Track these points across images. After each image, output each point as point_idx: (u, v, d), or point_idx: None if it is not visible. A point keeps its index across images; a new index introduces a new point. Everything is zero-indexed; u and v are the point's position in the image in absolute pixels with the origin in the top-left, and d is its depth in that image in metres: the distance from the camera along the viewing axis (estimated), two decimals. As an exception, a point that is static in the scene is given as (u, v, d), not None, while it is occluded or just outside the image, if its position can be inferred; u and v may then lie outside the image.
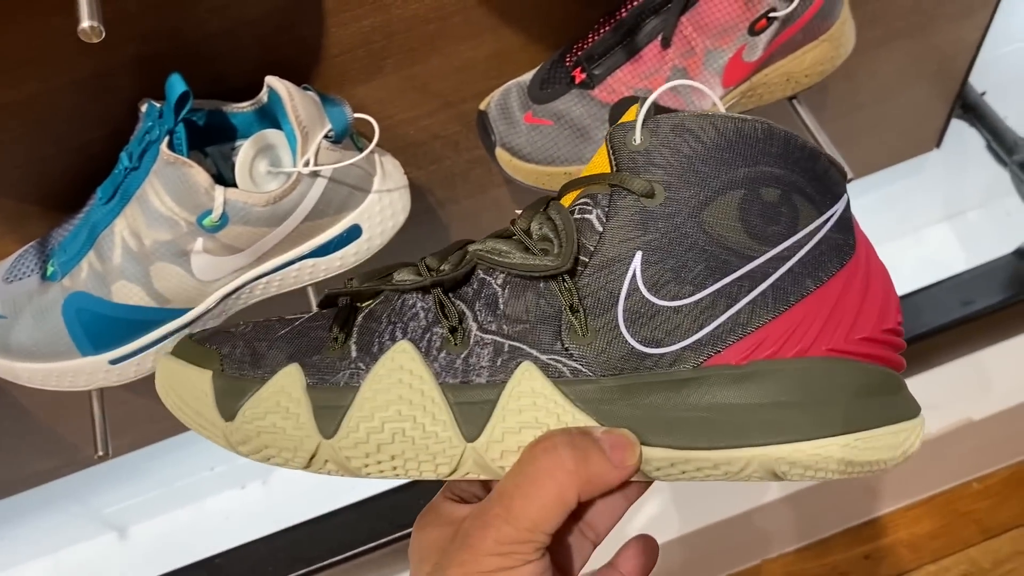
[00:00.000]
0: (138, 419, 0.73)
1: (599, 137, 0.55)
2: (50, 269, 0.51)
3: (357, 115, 0.51)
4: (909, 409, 0.35)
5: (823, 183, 0.35)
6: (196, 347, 0.36)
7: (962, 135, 0.98)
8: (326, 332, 0.35)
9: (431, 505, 0.37)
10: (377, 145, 0.50)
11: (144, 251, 0.48)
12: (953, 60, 0.80)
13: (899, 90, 0.79)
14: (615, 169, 0.35)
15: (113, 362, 0.52)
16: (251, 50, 0.50)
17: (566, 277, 0.34)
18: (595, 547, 0.36)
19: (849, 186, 0.38)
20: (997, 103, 0.97)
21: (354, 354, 0.34)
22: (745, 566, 1.11)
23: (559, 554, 0.35)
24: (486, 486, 0.37)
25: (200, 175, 0.46)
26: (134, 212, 0.48)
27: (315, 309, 0.38)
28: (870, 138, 0.84)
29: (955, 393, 1.01)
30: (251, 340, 0.36)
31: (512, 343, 0.34)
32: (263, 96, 0.49)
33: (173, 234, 0.48)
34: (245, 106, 0.49)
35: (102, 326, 0.51)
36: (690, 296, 0.33)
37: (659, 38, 0.54)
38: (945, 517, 1.13)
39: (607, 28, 0.55)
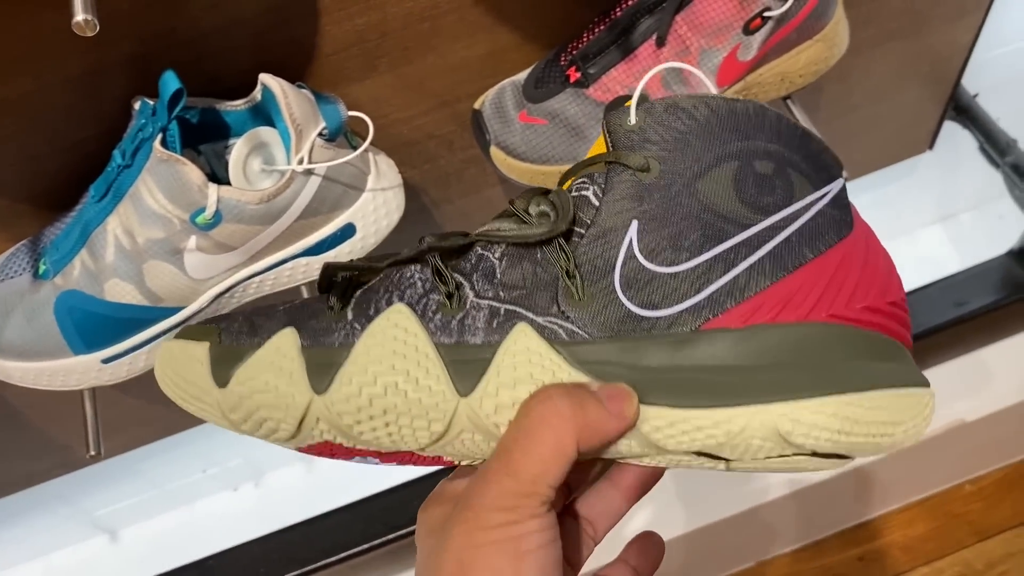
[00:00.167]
0: (130, 420, 0.73)
1: (594, 136, 0.55)
2: (42, 267, 0.50)
3: (351, 113, 0.51)
4: (918, 377, 0.34)
5: (817, 161, 0.35)
6: (196, 327, 0.36)
7: (955, 137, 0.98)
8: (324, 304, 0.35)
9: (433, 492, 0.36)
10: (371, 144, 0.50)
11: (137, 249, 0.48)
12: (946, 62, 0.80)
13: (892, 91, 0.80)
14: (611, 150, 0.35)
15: (105, 361, 0.52)
16: (245, 48, 0.50)
17: (562, 243, 0.34)
18: (595, 544, 0.36)
19: (843, 187, 0.38)
20: (990, 105, 0.97)
21: (350, 317, 0.34)
22: (740, 568, 1.11)
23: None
24: None
25: (193, 173, 0.45)
26: (127, 210, 0.47)
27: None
28: (863, 139, 0.84)
29: (948, 394, 1.01)
30: (250, 315, 0.36)
31: (508, 307, 0.34)
32: (257, 94, 0.49)
33: (166, 232, 0.47)
34: (239, 104, 0.49)
35: (94, 325, 0.50)
36: (687, 262, 0.33)
37: (654, 37, 0.54)
38: (938, 519, 1.13)
39: (602, 27, 0.55)
